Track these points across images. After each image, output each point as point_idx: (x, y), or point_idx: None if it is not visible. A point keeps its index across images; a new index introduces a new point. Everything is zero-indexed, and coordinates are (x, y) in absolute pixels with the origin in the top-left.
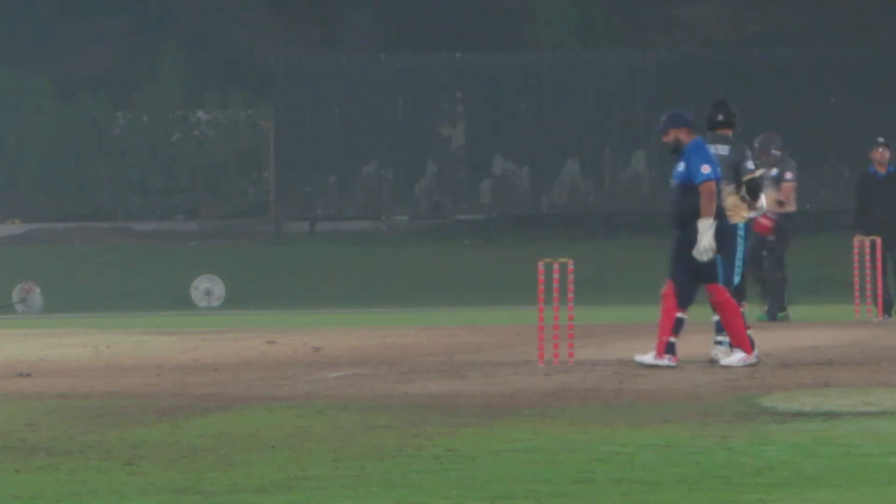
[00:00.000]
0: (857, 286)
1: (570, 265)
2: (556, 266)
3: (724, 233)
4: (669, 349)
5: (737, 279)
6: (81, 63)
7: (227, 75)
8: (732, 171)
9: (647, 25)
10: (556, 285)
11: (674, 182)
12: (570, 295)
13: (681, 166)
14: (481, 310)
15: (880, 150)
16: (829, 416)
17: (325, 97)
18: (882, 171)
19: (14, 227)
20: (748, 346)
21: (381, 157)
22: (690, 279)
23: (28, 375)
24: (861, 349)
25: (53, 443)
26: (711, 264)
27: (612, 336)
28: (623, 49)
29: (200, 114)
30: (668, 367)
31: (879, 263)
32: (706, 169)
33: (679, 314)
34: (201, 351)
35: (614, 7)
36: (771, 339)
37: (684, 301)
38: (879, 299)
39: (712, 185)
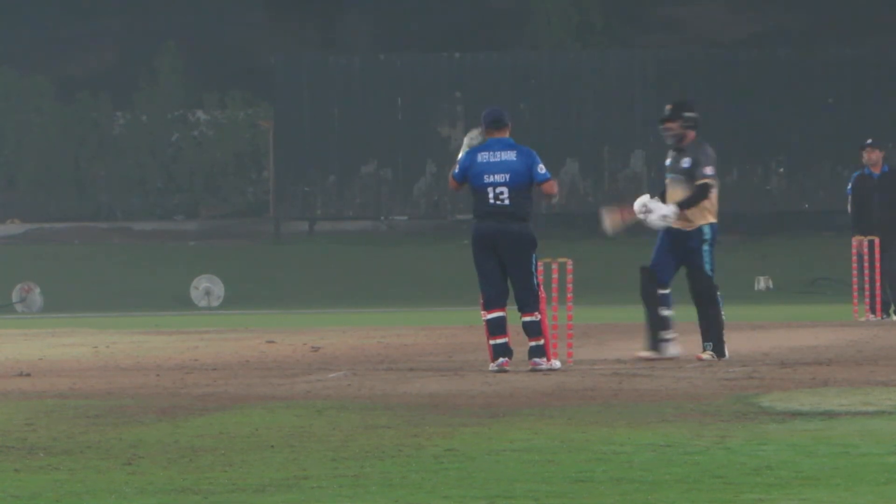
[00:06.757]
0: (855, 286)
1: (570, 265)
2: (555, 266)
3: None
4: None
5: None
6: (81, 63)
7: (227, 75)
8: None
9: (647, 25)
10: (555, 285)
11: None
12: (570, 295)
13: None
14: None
15: (868, 150)
16: (828, 415)
17: (325, 97)
18: (876, 171)
19: (14, 227)
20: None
21: (381, 157)
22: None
23: (28, 375)
24: (859, 349)
25: (53, 442)
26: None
27: (610, 336)
28: (623, 49)
29: (200, 114)
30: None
31: (878, 264)
32: None
33: (487, 315)
34: (200, 351)
35: (614, 7)
36: (770, 339)
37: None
38: (878, 299)
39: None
